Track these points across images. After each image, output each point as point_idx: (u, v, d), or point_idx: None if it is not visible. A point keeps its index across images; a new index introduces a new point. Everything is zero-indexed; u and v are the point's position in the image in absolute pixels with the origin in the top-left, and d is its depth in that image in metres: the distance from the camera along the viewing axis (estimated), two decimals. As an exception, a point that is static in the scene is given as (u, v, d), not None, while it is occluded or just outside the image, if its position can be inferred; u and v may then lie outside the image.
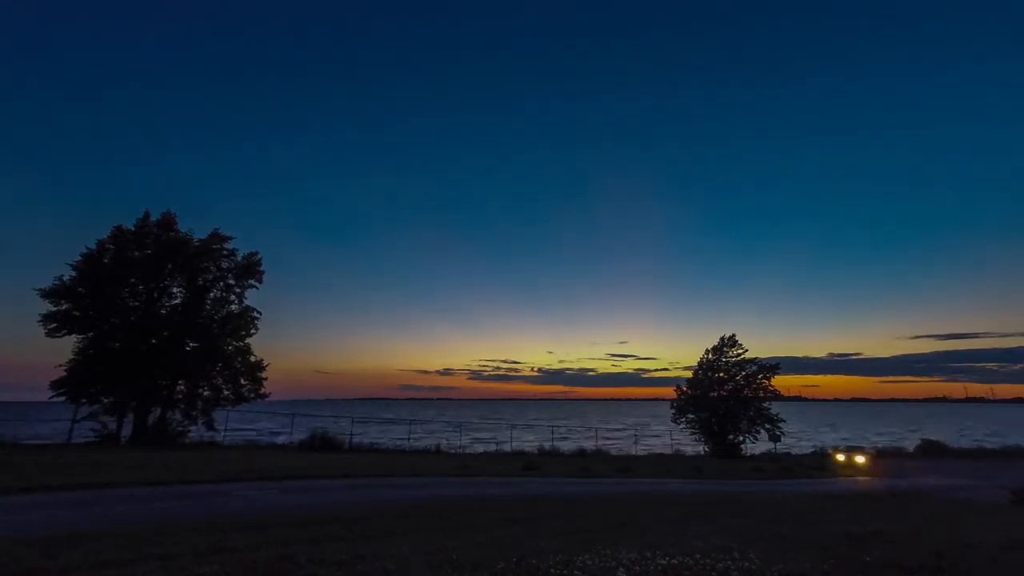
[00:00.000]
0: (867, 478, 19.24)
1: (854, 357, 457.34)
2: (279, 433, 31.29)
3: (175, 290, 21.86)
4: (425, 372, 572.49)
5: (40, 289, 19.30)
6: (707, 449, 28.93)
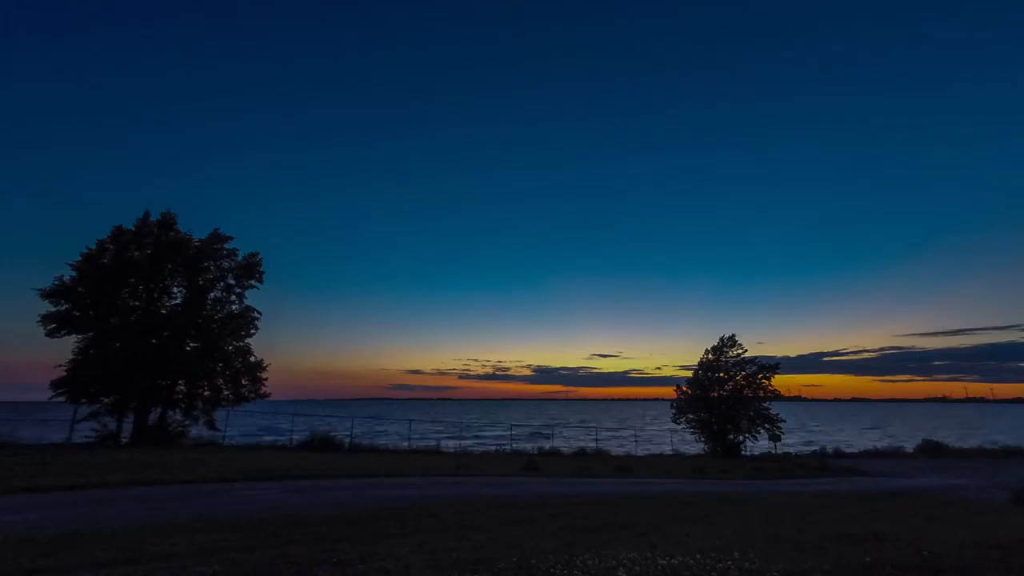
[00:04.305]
0: (867, 478, 19.22)
1: (853, 357, 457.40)
2: (279, 433, 31.27)
3: (175, 290, 21.84)
4: (420, 372, 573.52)
5: (40, 289, 19.29)
6: (707, 449, 28.93)
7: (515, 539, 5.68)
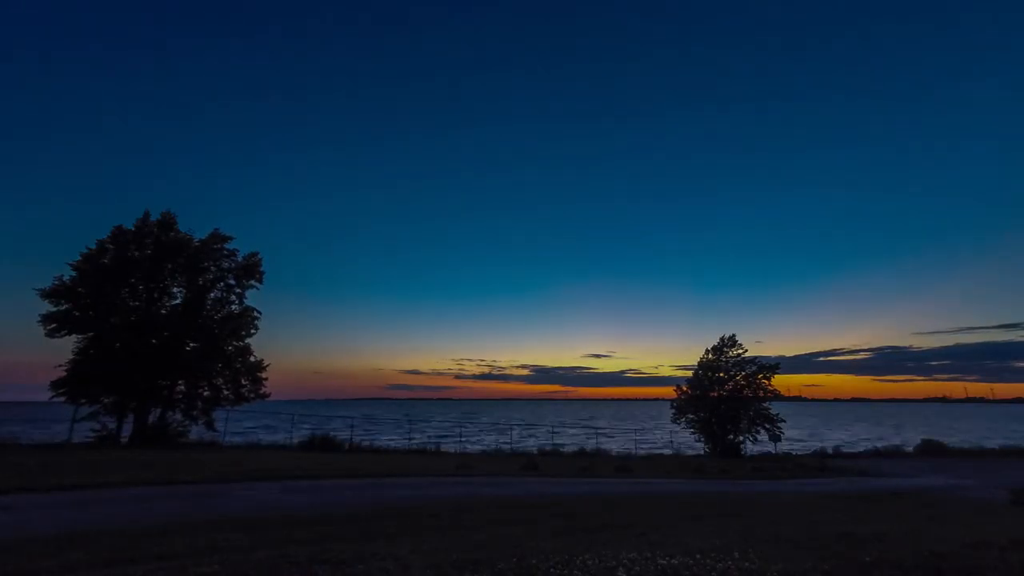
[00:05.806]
0: (867, 478, 19.23)
1: (851, 357, 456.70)
2: (279, 433, 31.28)
3: (175, 290, 21.86)
4: (418, 373, 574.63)
5: (40, 289, 19.31)
6: (707, 449, 28.92)
7: (515, 539, 5.68)
